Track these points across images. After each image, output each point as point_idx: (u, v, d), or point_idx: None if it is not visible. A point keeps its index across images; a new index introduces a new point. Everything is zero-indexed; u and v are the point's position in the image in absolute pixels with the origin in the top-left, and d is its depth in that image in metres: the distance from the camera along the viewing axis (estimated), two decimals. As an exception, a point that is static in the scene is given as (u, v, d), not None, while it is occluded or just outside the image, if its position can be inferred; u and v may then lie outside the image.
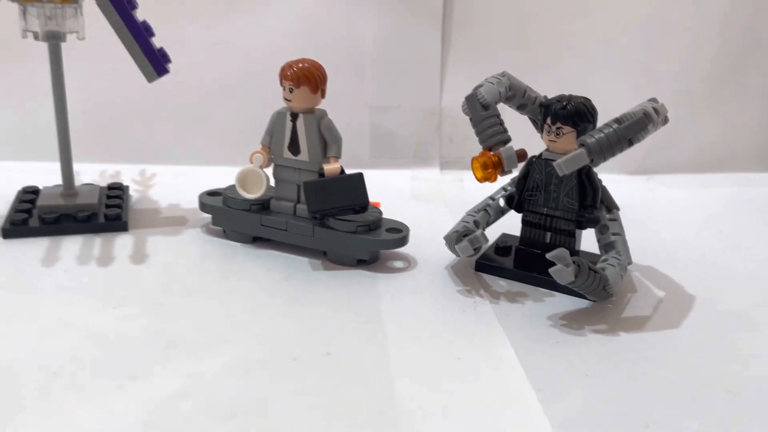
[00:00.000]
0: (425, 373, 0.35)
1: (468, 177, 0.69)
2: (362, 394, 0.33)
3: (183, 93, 0.66)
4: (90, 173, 0.62)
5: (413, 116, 0.70)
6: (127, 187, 0.57)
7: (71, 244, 0.48)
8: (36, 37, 0.47)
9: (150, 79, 0.48)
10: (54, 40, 0.48)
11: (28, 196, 0.53)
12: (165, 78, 0.48)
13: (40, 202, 0.51)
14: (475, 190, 0.66)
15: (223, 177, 0.57)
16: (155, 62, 0.47)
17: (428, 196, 0.65)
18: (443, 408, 0.32)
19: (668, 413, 0.33)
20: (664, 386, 0.35)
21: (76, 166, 0.53)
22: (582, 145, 0.39)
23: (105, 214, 0.51)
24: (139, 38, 0.46)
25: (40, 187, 0.55)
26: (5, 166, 0.63)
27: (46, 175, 0.59)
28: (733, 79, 0.72)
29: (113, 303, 0.40)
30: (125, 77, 0.64)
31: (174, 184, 0.61)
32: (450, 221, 0.56)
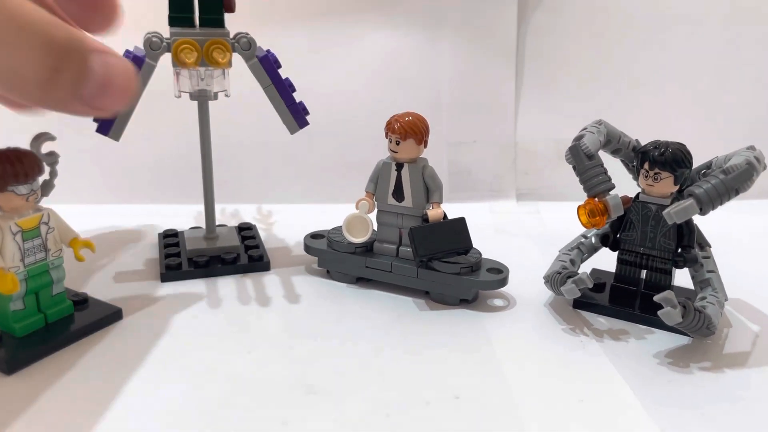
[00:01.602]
0: (553, 418, 0.37)
1: (544, 208, 0.71)
2: (497, 438, 0.35)
3: (275, 136, 0.70)
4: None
5: (489, 151, 0.73)
6: (255, 226, 0.61)
7: (225, 286, 0.51)
8: (191, 96, 0.50)
9: (292, 131, 0.50)
10: (204, 98, 0.51)
11: (171, 239, 0.57)
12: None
13: (188, 246, 0.54)
14: (552, 221, 0.68)
15: (319, 213, 0.61)
16: (297, 116, 0.50)
17: (509, 228, 0.67)
18: (577, 450, 0.34)
19: (790, 453, 0.35)
20: (780, 425, 0.37)
21: (198, 207, 0.56)
22: (691, 195, 0.40)
23: (249, 255, 0.54)
24: (284, 95, 0.49)
25: (178, 229, 0.59)
26: (132, 210, 0.67)
27: (173, 218, 0.64)
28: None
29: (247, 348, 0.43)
30: (226, 123, 0.68)
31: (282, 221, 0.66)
32: (535, 253, 0.59)
